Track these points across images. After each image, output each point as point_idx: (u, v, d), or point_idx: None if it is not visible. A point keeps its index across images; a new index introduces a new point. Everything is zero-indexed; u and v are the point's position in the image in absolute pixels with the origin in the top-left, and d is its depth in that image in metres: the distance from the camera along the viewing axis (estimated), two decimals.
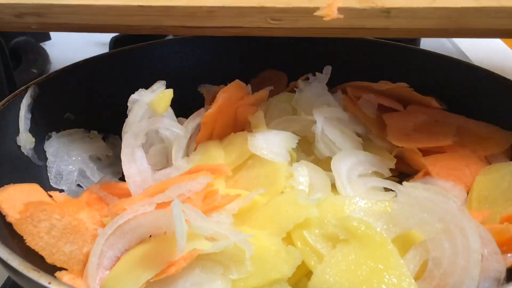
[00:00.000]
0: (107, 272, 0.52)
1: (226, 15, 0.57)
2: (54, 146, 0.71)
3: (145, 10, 0.57)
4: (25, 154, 0.67)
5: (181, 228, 0.47)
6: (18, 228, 0.54)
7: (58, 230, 0.55)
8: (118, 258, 0.53)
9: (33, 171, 0.68)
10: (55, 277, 0.51)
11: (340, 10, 0.56)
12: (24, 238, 0.53)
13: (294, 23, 0.58)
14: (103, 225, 0.58)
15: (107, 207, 0.62)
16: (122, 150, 0.66)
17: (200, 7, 0.57)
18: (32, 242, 0.53)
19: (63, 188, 0.70)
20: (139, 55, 0.81)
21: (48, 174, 0.70)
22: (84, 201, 0.62)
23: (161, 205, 0.54)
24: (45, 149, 0.71)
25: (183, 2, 0.57)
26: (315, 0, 0.57)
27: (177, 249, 0.47)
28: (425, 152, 0.69)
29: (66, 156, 0.72)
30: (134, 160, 0.66)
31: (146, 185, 0.64)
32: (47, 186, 0.68)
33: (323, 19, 0.56)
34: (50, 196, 0.61)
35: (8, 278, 0.63)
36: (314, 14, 0.56)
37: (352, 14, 0.56)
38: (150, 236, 0.53)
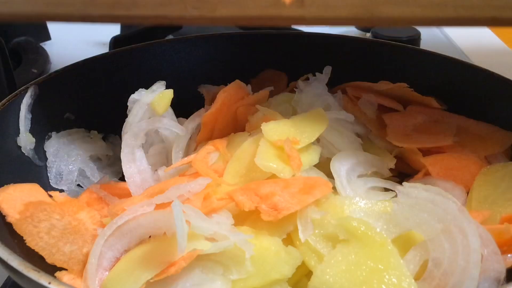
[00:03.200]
0: (107, 273, 0.52)
1: (148, 4, 0.59)
2: (54, 146, 0.71)
3: None
4: (25, 154, 0.67)
5: (181, 228, 0.47)
6: (18, 228, 0.54)
7: (58, 230, 0.55)
8: (118, 259, 0.53)
9: (33, 171, 0.68)
10: (55, 277, 0.51)
11: None
12: (24, 238, 0.53)
13: (213, 12, 0.61)
14: (103, 225, 0.57)
15: (107, 207, 0.62)
16: (122, 150, 0.66)
17: None
18: (32, 242, 0.53)
19: (63, 188, 0.70)
20: (139, 55, 0.81)
21: (48, 174, 0.70)
22: (84, 201, 0.62)
23: (160, 206, 0.54)
24: (45, 149, 0.71)
25: None
26: None
27: (178, 249, 0.47)
28: (425, 152, 0.69)
29: (66, 156, 0.72)
30: (134, 160, 0.66)
31: (146, 185, 0.64)
32: (47, 186, 0.68)
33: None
34: (50, 196, 0.61)
35: (8, 278, 0.63)
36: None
37: (268, 3, 0.59)
38: (150, 236, 0.53)
